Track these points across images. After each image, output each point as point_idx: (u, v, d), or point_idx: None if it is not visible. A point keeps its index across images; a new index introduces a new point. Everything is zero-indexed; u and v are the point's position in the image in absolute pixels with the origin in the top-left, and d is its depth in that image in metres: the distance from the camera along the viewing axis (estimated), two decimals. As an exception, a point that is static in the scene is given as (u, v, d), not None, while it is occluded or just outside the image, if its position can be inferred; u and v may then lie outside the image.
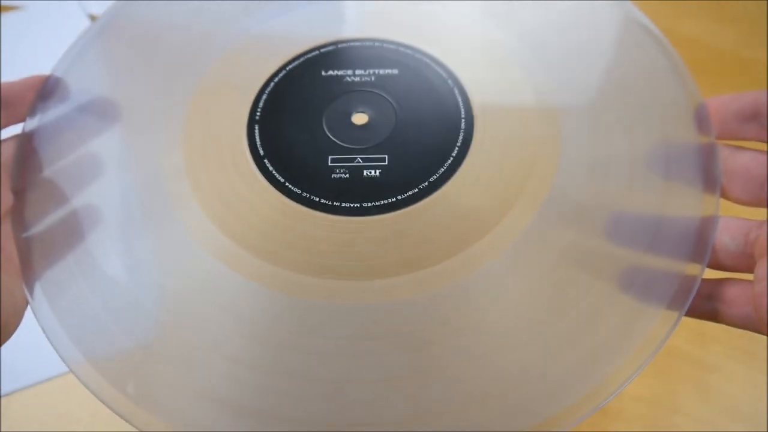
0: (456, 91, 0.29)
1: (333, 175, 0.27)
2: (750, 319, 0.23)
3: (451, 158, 0.27)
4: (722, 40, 0.28)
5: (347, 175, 0.27)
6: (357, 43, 0.31)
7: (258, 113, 0.29)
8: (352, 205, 0.26)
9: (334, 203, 0.27)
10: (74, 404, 0.36)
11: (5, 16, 0.51)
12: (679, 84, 0.29)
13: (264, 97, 0.30)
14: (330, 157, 0.28)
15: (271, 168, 0.28)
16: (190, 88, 0.30)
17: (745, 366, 0.34)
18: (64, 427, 0.36)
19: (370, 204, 0.26)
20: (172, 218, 0.27)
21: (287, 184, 0.27)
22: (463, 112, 0.29)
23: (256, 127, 0.29)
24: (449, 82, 0.30)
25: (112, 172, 0.28)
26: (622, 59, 0.30)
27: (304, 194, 0.27)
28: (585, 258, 0.25)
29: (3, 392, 0.36)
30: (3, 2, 0.27)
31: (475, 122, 0.28)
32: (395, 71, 0.30)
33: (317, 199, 0.27)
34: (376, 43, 0.31)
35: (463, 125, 0.28)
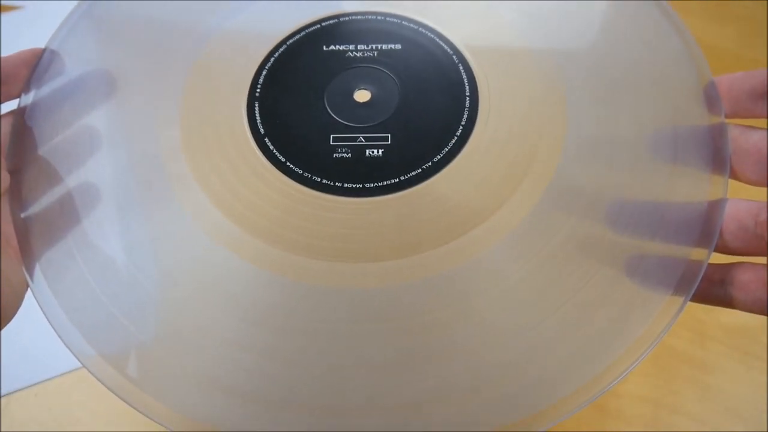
0: (461, 68, 0.29)
1: (335, 155, 0.27)
2: (764, 304, 0.23)
3: (456, 137, 0.27)
4: (722, 40, 0.28)
5: (349, 155, 0.27)
6: (359, 17, 0.31)
7: (258, 90, 0.29)
8: (354, 185, 0.26)
9: (336, 183, 0.26)
10: (74, 404, 0.36)
11: (5, 16, 0.50)
12: (688, 61, 0.28)
13: (264, 72, 0.29)
14: (332, 136, 0.27)
15: (272, 147, 0.27)
16: (187, 63, 0.29)
17: (745, 366, 0.34)
18: (64, 427, 0.36)
19: (372, 185, 0.26)
20: (171, 198, 0.26)
21: (288, 163, 0.27)
22: (467, 90, 0.28)
23: (256, 104, 0.28)
24: (454, 57, 0.29)
25: (108, 149, 0.27)
26: (631, 36, 0.29)
27: (306, 174, 0.26)
28: (589, 243, 0.25)
29: (3, 392, 0.36)
30: (3, 2, 0.26)
31: (480, 100, 0.28)
32: (398, 46, 0.30)
33: (319, 180, 0.26)
34: (379, 17, 0.30)
35: (467, 103, 0.28)
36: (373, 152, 0.27)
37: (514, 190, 0.26)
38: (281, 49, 0.30)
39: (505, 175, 0.26)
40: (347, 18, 0.31)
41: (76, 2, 0.31)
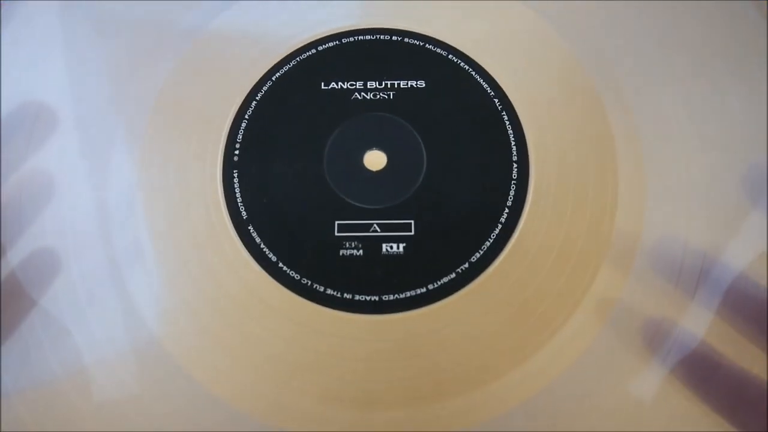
0: (505, 118, 0.22)
1: (342, 252, 0.20)
2: None
3: (500, 225, 0.20)
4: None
5: (360, 252, 0.20)
6: (368, 37, 0.23)
7: (236, 152, 0.21)
8: (367, 298, 0.20)
9: (345, 295, 0.20)
10: (74, 404, 0.34)
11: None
12: None
13: (243, 125, 0.22)
14: (337, 223, 0.21)
15: (258, 240, 0.21)
16: (138, 118, 0.22)
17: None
18: (64, 427, 0.33)
19: (391, 296, 0.20)
20: (129, 302, 0.20)
21: (281, 264, 0.20)
22: (515, 152, 0.21)
23: (235, 175, 0.21)
24: (496, 103, 0.22)
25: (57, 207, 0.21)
26: (720, 65, 0.22)
27: (304, 281, 0.20)
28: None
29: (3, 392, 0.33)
30: (3, 2, 0.22)
31: (531, 167, 0.21)
32: (422, 83, 0.22)
33: (321, 289, 0.20)
34: (395, 38, 0.23)
35: (515, 173, 0.21)
36: (391, 248, 0.20)
37: (580, 299, 0.20)
38: (264, 88, 0.22)
39: (570, 275, 0.20)
40: (352, 39, 0.23)
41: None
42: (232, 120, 0.22)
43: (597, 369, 0.19)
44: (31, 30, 0.23)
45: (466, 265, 0.20)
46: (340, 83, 0.22)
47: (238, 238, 0.20)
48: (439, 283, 0.20)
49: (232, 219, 0.21)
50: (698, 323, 0.19)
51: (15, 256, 0.21)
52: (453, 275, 0.20)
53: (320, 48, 0.23)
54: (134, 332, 0.20)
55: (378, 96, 0.22)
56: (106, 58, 0.23)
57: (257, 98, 0.22)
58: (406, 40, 0.22)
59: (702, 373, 0.19)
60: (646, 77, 0.22)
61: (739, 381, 0.19)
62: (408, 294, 0.20)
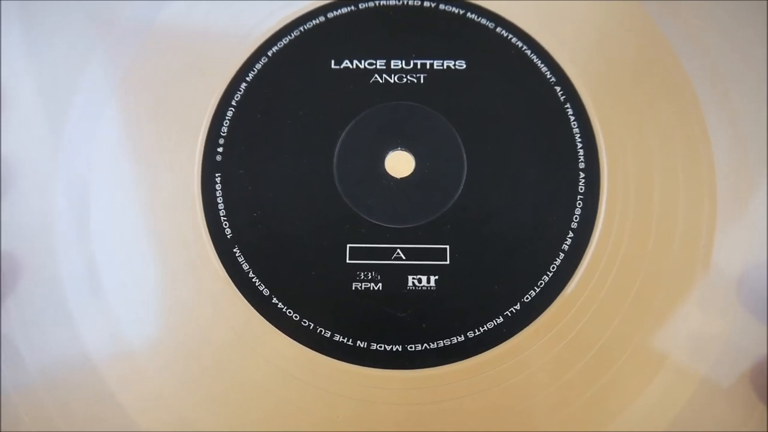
0: (570, 114, 0.17)
1: (355, 285, 0.16)
2: None
3: (561, 255, 0.16)
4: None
5: (379, 286, 0.16)
6: (393, 2, 0.18)
7: (219, 150, 0.17)
8: (387, 347, 0.15)
9: (358, 343, 0.15)
10: (74, 404, 0.32)
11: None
12: None
13: (229, 114, 0.17)
14: (349, 247, 0.16)
15: (246, 267, 0.16)
16: (96, 105, 0.17)
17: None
18: (64, 427, 0.31)
19: (419, 346, 0.15)
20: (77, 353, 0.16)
21: (275, 300, 0.16)
22: (582, 158, 0.16)
23: (218, 179, 0.16)
24: (559, 93, 0.17)
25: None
26: None
27: (305, 323, 0.15)
28: None
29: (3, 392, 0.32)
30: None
31: (604, 178, 0.16)
32: (462, 64, 0.17)
33: (327, 335, 0.15)
34: (428, 3, 0.17)
35: (581, 185, 0.16)
36: (419, 281, 0.16)
37: (668, 351, 0.15)
38: (257, 66, 0.17)
39: (653, 321, 0.15)
40: (371, 4, 0.18)
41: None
42: (214, 108, 0.17)
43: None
44: None
45: (518, 306, 0.15)
46: (355, 62, 0.17)
47: (219, 264, 0.16)
48: (481, 329, 0.15)
49: (213, 239, 0.16)
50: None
51: None
52: (500, 320, 0.15)
53: (330, 15, 0.17)
54: (76, 377, 0.15)
55: (405, 79, 0.17)
56: (63, 30, 0.18)
57: (247, 79, 0.17)
58: (442, 6, 0.17)
59: None
60: (757, 76, 0.17)
61: None
62: (440, 343, 0.15)
